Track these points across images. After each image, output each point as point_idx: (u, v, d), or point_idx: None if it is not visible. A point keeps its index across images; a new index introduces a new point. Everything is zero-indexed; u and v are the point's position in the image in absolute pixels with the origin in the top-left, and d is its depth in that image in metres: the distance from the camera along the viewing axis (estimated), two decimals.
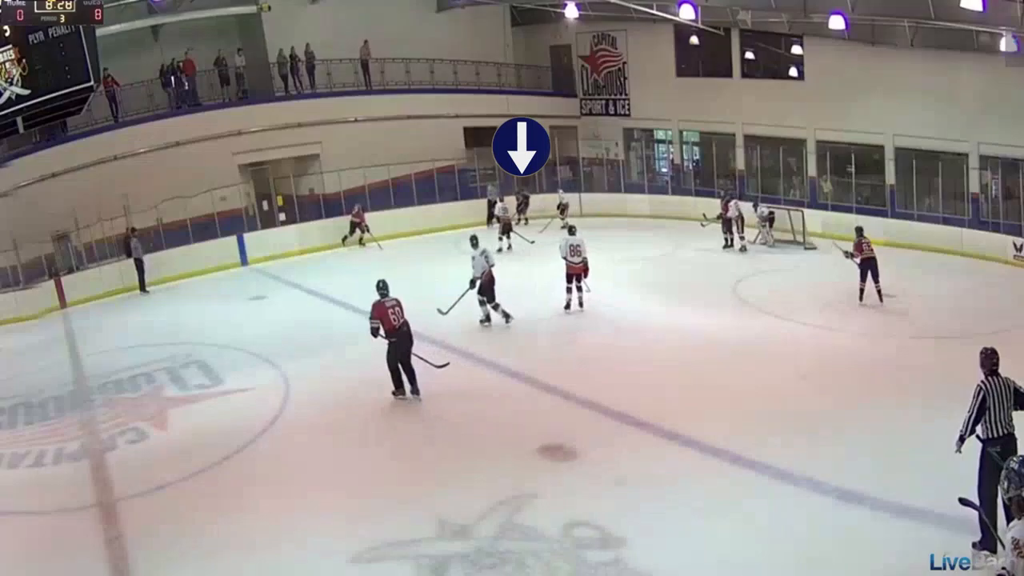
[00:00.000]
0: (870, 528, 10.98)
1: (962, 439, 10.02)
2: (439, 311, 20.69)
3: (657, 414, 15.04)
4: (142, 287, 27.87)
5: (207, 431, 15.96)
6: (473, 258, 21.25)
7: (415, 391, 16.40)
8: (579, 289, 21.95)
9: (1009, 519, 7.10)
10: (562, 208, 34.06)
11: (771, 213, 30.04)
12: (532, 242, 29.96)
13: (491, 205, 34.49)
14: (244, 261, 30.87)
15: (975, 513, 9.12)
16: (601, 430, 14.82)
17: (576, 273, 21.84)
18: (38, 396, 18.79)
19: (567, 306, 21.92)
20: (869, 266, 21.22)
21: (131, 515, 12.85)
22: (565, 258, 21.85)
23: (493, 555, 10.94)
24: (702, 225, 30.34)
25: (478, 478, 13.08)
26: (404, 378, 16.46)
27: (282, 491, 13.27)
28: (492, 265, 21.09)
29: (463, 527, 11.62)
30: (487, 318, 21.26)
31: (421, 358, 16.63)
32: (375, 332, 16.12)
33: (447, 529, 11.63)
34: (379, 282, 16.47)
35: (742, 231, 29.23)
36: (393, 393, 16.36)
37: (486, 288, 21.02)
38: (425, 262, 28.84)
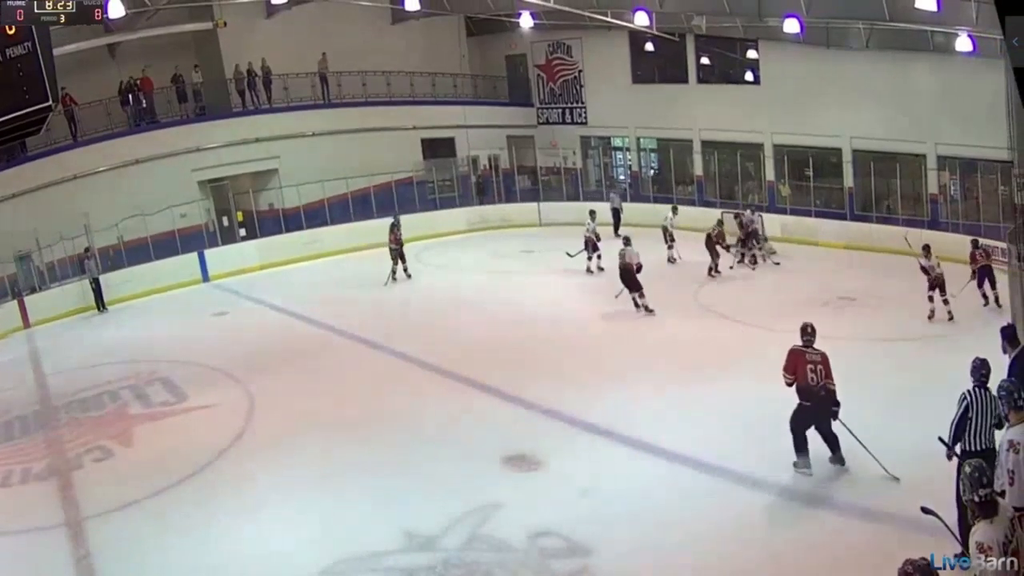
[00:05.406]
0: (839, 532, 11.22)
1: (949, 447, 9.94)
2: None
3: (621, 422, 15.24)
4: (99, 306, 27.74)
5: (173, 448, 15.93)
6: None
7: (838, 460, 12.82)
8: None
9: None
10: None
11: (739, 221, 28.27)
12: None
13: (616, 214, 33.59)
14: (205, 277, 30.69)
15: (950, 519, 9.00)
16: (565, 439, 15.00)
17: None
18: (3, 416, 18.77)
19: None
20: (985, 273, 21.03)
21: (99, 534, 12.86)
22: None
23: (460, 566, 11.08)
24: None
25: (443, 490, 13.21)
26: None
27: (248, 507, 13.33)
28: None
29: (429, 539, 11.76)
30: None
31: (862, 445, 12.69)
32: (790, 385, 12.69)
33: (414, 541, 11.76)
34: (805, 326, 12.76)
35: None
36: (795, 464, 12.78)
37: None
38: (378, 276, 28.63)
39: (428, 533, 11.88)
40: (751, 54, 33.68)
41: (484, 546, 11.54)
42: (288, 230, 33.33)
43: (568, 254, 27.41)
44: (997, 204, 26.30)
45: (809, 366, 12.28)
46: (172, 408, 18.37)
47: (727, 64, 35.38)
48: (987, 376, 10.02)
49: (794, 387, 12.49)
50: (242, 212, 33.77)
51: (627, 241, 23.33)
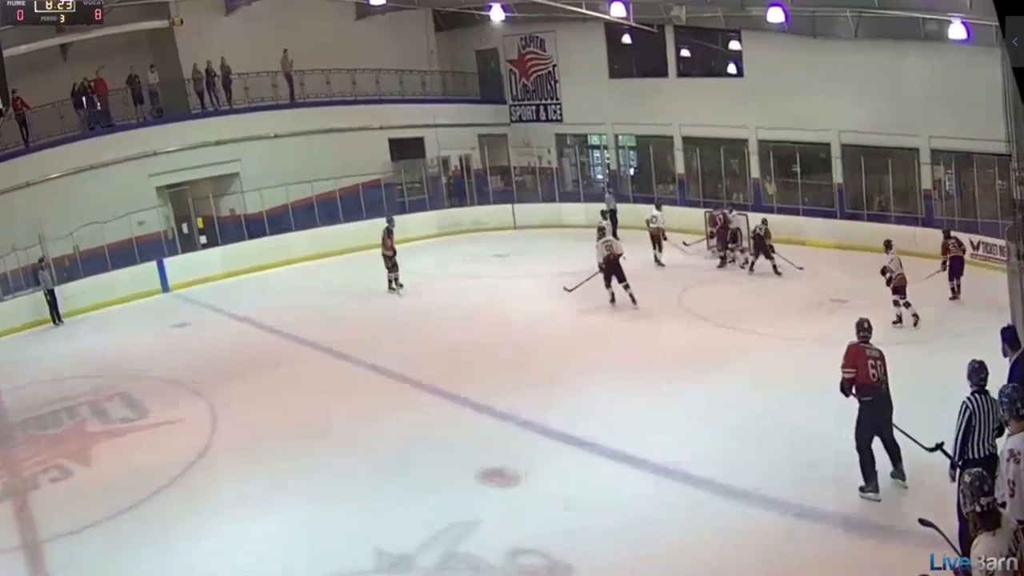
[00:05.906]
0: (834, 545, 10.92)
1: (954, 466, 9.59)
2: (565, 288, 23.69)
3: (603, 433, 14.88)
4: (54, 319, 27.07)
5: (134, 466, 15.52)
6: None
7: (900, 474, 11.97)
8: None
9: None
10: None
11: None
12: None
13: (612, 215, 31.70)
14: (165, 287, 30.01)
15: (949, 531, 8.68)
16: (544, 452, 14.72)
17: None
18: None
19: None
20: (956, 264, 21.37)
21: (58, 556, 12.57)
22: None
23: None
24: None
25: (417, 506, 12.88)
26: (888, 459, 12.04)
27: (211, 526, 13.02)
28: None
29: (403, 557, 11.48)
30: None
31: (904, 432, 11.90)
32: (845, 387, 11.98)
33: (386, 560, 11.51)
34: (862, 322, 12.32)
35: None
36: (861, 489, 11.83)
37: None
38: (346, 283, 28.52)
39: (402, 551, 11.60)
40: (734, 45, 33.09)
41: (461, 564, 11.30)
42: (251, 236, 32.66)
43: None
44: (995, 199, 25.47)
45: (870, 361, 11.86)
46: (132, 424, 17.91)
47: (708, 56, 34.97)
48: (986, 379, 9.70)
49: (852, 388, 11.93)
50: (202, 218, 33.13)
51: (602, 232, 23.85)
